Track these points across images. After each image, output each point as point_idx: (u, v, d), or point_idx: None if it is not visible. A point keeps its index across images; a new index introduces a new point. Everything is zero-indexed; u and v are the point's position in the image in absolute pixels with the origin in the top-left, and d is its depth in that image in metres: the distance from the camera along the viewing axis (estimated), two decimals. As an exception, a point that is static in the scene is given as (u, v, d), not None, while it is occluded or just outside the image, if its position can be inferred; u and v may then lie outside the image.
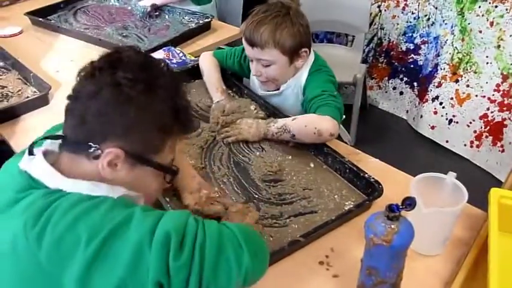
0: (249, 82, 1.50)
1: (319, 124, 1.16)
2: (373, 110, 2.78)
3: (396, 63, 2.66)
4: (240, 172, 1.19)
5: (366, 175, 1.10)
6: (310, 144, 1.23)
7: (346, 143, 1.35)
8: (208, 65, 1.48)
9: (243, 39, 1.30)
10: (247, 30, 1.27)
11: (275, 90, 1.39)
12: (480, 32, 2.14)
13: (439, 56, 2.37)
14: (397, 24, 2.54)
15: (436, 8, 2.35)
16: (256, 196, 1.11)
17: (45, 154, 0.77)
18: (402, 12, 2.50)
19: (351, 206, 1.06)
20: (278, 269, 0.94)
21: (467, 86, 2.29)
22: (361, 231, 0.82)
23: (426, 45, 2.50)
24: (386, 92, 2.76)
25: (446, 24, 2.29)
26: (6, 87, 1.55)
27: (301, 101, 1.35)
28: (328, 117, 1.16)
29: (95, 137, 0.73)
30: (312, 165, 1.20)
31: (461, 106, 2.33)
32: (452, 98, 2.36)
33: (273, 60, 1.29)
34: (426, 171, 0.95)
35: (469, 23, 2.17)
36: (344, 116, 1.25)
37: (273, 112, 1.33)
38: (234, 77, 1.50)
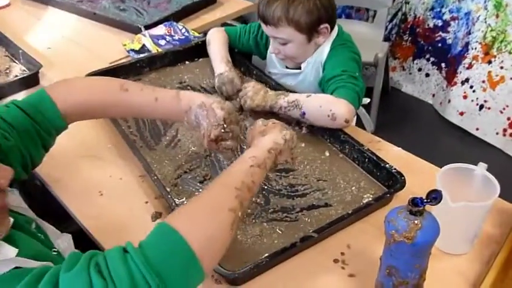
0: (260, 62, 1.51)
1: (336, 107, 1.15)
2: (395, 93, 2.76)
3: (422, 42, 2.63)
4: None
5: (387, 165, 1.09)
6: (325, 130, 1.23)
7: (365, 129, 1.35)
8: (217, 38, 1.48)
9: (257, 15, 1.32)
10: (261, 6, 1.27)
11: (296, 69, 1.39)
12: (517, 7, 2.13)
13: (470, 34, 2.33)
14: (424, -3, 2.53)
15: (468, -20, 2.34)
16: (266, 187, 1.11)
17: None
18: (430, -15, 2.49)
19: (370, 199, 1.06)
20: (289, 266, 0.94)
21: (501, 67, 2.26)
22: (380, 227, 0.82)
23: (456, 21, 2.46)
24: (410, 73, 2.73)
25: (479, -2, 2.28)
26: (-8, 65, 1.57)
27: (320, 79, 1.35)
28: (344, 101, 1.16)
29: None
30: (327, 153, 1.20)
31: (493, 90, 2.30)
32: (484, 81, 2.33)
33: (288, 39, 1.29)
34: (454, 161, 0.94)
35: (504, -3, 2.15)
36: (368, 99, 1.24)
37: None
38: (242, 55, 1.50)
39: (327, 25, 1.29)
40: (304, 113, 1.21)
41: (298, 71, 1.39)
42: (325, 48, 1.33)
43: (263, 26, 1.31)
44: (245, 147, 1.13)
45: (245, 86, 1.32)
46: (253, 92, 1.28)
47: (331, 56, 1.32)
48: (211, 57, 1.48)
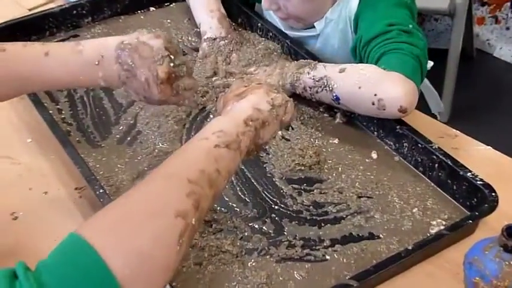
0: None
1: (383, 88, 1.15)
2: (483, 59, 2.76)
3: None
4: (248, 166, 1.20)
5: (469, 174, 1.09)
6: (372, 119, 1.23)
7: (435, 116, 1.33)
8: None
9: None
10: None
11: (307, 29, 1.41)
12: None
13: None
14: None
15: None
16: (277, 207, 1.12)
17: None
18: None
19: (441, 227, 1.06)
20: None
21: None
22: (457, 271, 0.84)
23: None
24: (508, 28, 2.73)
25: None
26: None
27: (351, 43, 1.35)
28: (396, 77, 1.15)
29: None
30: (374, 155, 1.21)
31: None
32: None
33: None
34: None
35: None
36: (431, 63, 1.22)
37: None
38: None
39: None
40: (337, 98, 1.22)
41: (312, 32, 1.41)
42: None
43: None
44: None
45: (252, 70, 1.33)
46: (266, 75, 1.31)
47: (366, 5, 1.33)
48: (193, 7, 1.50)
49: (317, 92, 1.24)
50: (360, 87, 1.18)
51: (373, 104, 1.16)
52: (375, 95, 1.15)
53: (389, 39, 1.22)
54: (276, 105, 0.98)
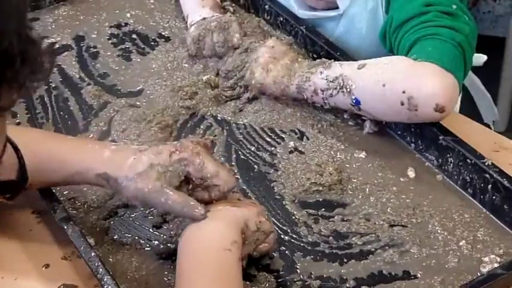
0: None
1: (413, 83, 1.15)
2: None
3: None
4: (252, 185, 1.19)
5: (532, 198, 1.05)
6: (407, 126, 1.22)
7: (488, 126, 1.32)
8: None
9: None
10: None
11: (328, 10, 1.40)
12: None
13: None
14: None
15: None
16: (287, 238, 1.11)
17: None
18: None
19: (495, 265, 1.04)
20: None
21: None
22: None
23: None
24: None
25: None
26: None
27: (382, 27, 1.35)
28: (432, 67, 1.15)
29: None
30: (411, 173, 1.20)
31: None
32: None
33: None
34: None
35: None
36: (485, 57, 1.20)
37: (326, 55, 1.34)
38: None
39: None
40: (357, 101, 1.20)
41: (334, 13, 1.41)
42: None
43: None
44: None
45: (254, 45, 1.34)
46: (268, 57, 1.29)
47: None
48: None
49: (331, 95, 1.23)
50: (384, 85, 1.17)
51: (402, 104, 1.15)
52: (403, 92, 1.14)
53: (426, 22, 1.22)
54: (261, 230, 1.01)
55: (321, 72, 1.24)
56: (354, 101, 1.20)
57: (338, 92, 1.21)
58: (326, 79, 1.22)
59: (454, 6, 1.22)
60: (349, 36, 1.41)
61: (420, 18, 1.21)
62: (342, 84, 1.21)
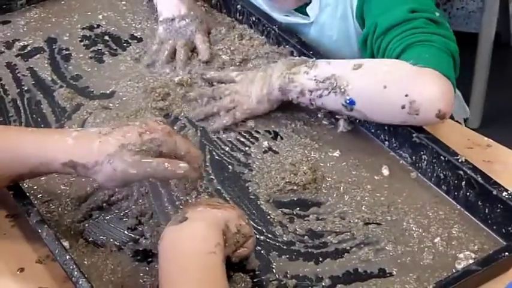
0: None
1: (417, 87, 1.15)
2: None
3: None
4: (226, 185, 1.20)
5: (505, 194, 1.08)
6: (381, 126, 1.23)
7: (459, 123, 1.33)
8: None
9: None
10: None
11: (298, 15, 1.41)
12: None
13: None
14: None
15: None
16: (262, 237, 1.11)
17: None
18: None
19: (470, 261, 1.05)
20: None
21: None
22: None
23: None
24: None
25: None
26: None
27: (356, 33, 1.36)
28: (433, 73, 1.15)
29: None
30: (385, 171, 1.20)
31: None
32: None
33: None
34: None
35: None
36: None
37: (299, 54, 1.35)
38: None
39: None
40: (351, 102, 1.19)
41: (304, 20, 1.41)
42: None
43: None
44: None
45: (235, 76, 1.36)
46: (247, 83, 1.31)
47: None
48: None
49: (321, 96, 1.22)
50: (385, 87, 1.17)
51: (403, 107, 1.15)
52: (406, 95, 1.14)
53: (416, 28, 1.22)
54: (241, 233, 1.02)
55: (307, 73, 1.23)
56: (348, 102, 1.19)
57: (330, 92, 1.20)
58: (315, 79, 1.22)
59: (438, 14, 1.23)
60: (320, 41, 1.41)
61: (409, 25, 1.22)
62: (334, 84, 1.20)
